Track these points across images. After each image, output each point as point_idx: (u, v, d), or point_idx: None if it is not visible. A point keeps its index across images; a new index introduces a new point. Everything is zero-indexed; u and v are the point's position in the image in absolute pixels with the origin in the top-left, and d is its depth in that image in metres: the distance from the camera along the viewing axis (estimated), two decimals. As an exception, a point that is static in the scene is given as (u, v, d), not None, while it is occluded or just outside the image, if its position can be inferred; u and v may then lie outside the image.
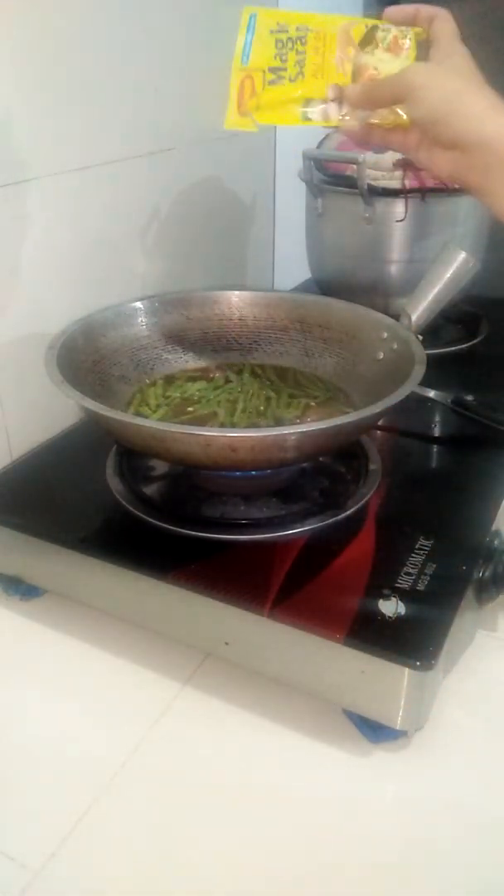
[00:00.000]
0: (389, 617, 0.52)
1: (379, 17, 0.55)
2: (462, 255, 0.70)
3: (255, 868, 0.48)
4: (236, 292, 0.80)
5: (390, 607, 0.53)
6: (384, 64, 0.53)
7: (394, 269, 0.93)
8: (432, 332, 0.80)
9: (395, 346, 0.69)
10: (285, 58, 0.54)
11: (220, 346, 0.80)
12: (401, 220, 0.90)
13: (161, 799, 0.52)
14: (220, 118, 0.55)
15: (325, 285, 1.02)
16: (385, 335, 0.70)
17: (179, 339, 0.79)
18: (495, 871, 0.48)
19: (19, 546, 0.64)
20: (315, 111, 0.55)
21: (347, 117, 0.55)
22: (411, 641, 0.50)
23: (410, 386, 0.59)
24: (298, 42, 0.54)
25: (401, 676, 0.50)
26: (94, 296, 0.78)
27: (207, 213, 1.02)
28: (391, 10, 0.54)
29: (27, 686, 0.61)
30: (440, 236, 0.89)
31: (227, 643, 0.57)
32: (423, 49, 0.53)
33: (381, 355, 0.70)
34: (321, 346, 0.77)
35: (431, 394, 0.79)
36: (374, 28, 0.54)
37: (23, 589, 0.68)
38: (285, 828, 0.50)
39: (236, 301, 0.80)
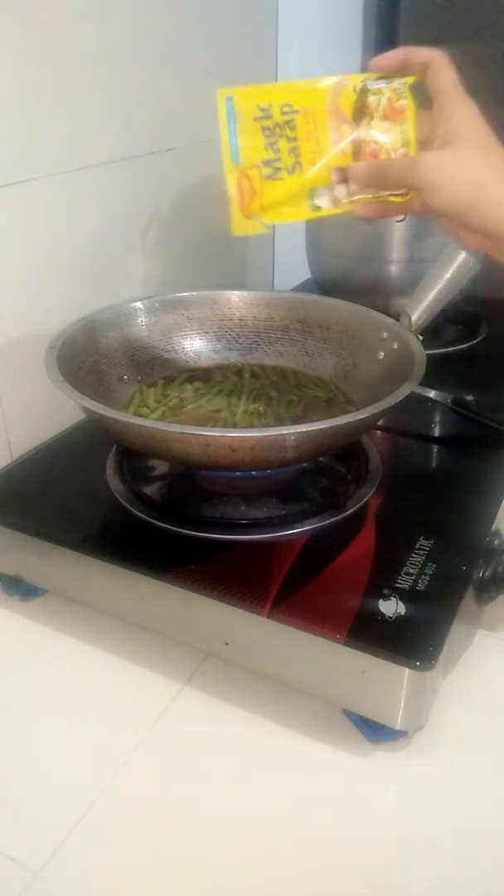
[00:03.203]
0: (389, 617, 0.52)
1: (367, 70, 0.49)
2: (462, 255, 0.70)
3: (254, 867, 0.48)
4: (236, 292, 0.80)
5: (390, 607, 0.53)
6: (385, 135, 0.49)
7: (394, 269, 0.93)
8: (432, 332, 0.80)
9: (395, 346, 0.69)
10: (277, 147, 0.49)
11: (220, 346, 0.80)
12: (401, 220, 0.89)
13: (161, 799, 0.52)
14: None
15: (325, 285, 1.02)
16: (385, 335, 0.70)
17: (179, 339, 0.79)
18: (495, 872, 0.48)
19: (19, 546, 0.64)
20: (324, 200, 0.51)
21: (357, 196, 0.50)
22: (411, 641, 0.50)
23: (410, 386, 0.59)
24: (287, 128, 0.49)
25: (401, 676, 0.50)
26: (94, 296, 0.78)
27: (207, 213, 1.01)
28: (378, 60, 0.48)
29: (27, 686, 0.61)
30: (440, 236, 0.89)
31: (227, 643, 0.57)
32: (421, 93, 0.48)
33: (381, 355, 0.70)
34: (321, 346, 0.77)
35: (431, 394, 0.79)
36: (365, 91, 0.48)
37: (23, 589, 0.68)
38: (285, 827, 0.50)
39: (236, 301, 0.80)
